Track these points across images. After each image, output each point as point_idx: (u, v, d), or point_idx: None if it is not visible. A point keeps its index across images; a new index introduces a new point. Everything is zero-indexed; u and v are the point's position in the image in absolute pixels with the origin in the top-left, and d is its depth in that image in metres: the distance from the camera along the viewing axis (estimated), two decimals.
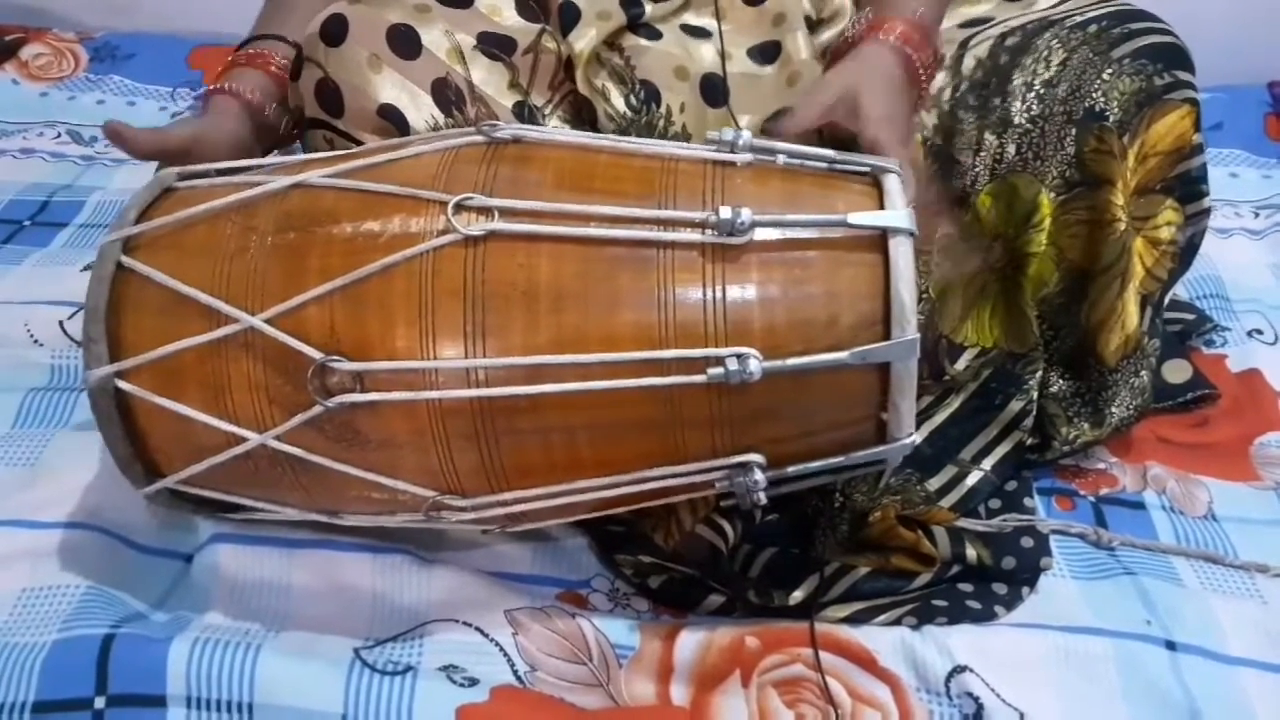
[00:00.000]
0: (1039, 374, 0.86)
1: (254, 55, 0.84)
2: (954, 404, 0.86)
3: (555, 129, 0.80)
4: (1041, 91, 0.81)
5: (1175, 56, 0.84)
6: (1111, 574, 0.80)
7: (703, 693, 0.71)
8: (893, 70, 0.76)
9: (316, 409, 0.63)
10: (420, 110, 0.77)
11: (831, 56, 0.82)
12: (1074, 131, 0.81)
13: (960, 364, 0.86)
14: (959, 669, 0.71)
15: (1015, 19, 0.85)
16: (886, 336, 0.61)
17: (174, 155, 0.78)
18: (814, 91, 0.76)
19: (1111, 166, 0.81)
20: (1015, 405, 0.86)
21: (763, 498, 0.66)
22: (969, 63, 0.83)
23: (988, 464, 0.85)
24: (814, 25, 0.88)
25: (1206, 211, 0.89)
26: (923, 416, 0.84)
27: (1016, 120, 0.81)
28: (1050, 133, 0.81)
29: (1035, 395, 0.86)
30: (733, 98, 0.83)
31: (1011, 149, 0.81)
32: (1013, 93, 0.81)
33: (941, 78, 0.82)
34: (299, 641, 0.70)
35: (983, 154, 0.81)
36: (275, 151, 0.87)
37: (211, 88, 0.82)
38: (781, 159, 0.67)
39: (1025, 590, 0.79)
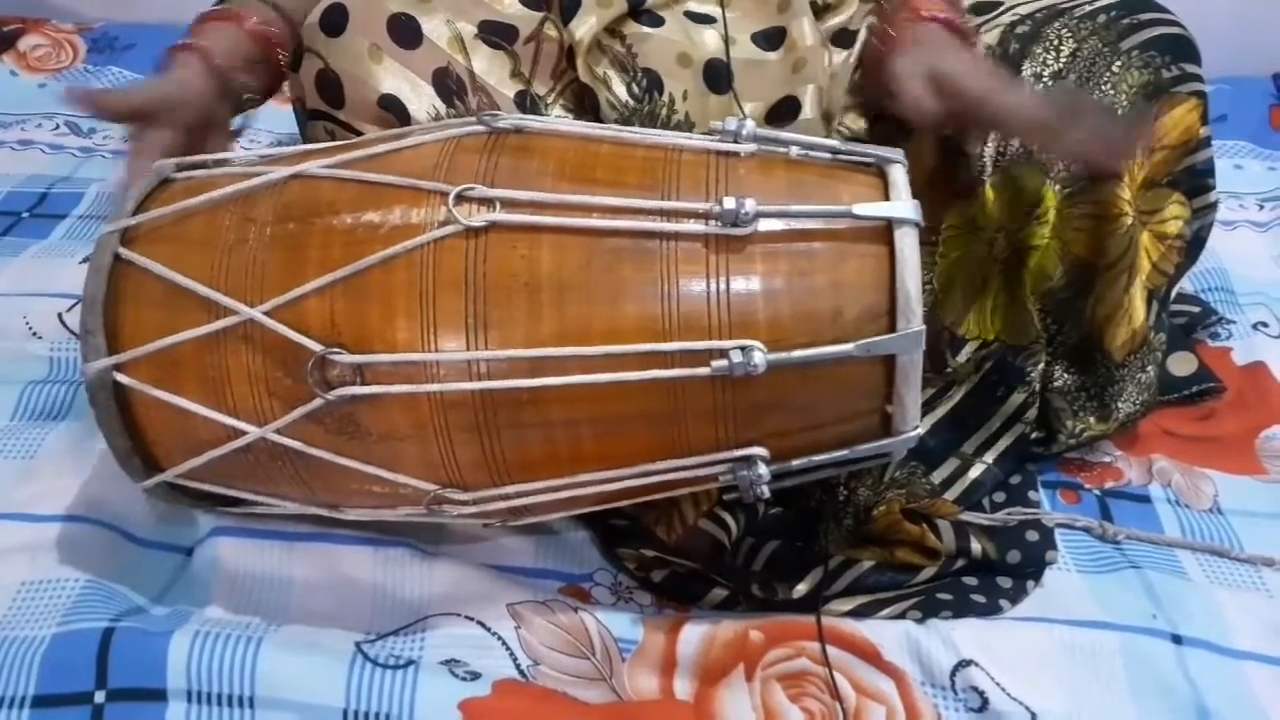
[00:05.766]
0: (1040, 366, 0.86)
1: (227, 11, 0.80)
2: (956, 396, 0.86)
3: (557, 119, 0.79)
4: (1049, 83, 0.80)
5: (1183, 49, 0.83)
6: (1117, 567, 0.80)
7: (706, 687, 0.70)
8: (945, 36, 0.76)
9: (317, 402, 0.63)
10: (421, 100, 0.76)
11: (867, 60, 0.81)
12: None
13: (962, 356, 0.85)
14: (964, 663, 0.71)
15: (1024, 6, 0.84)
16: (892, 328, 0.61)
17: (141, 117, 0.75)
18: (902, 90, 0.74)
19: (1122, 162, 0.81)
20: (1017, 398, 0.85)
21: (766, 491, 0.66)
22: (979, 50, 0.82)
23: (990, 457, 0.84)
24: (819, 11, 0.87)
25: (1213, 205, 0.89)
26: (925, 409, 0.83)
27: None
28: None
29: (1037, 387, 0.86)
30: (737, 83, 0.82)
31: (1016, 140, 0.80)
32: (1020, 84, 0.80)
33: (981, 42, 0.82)
34: (300, 635, 0.70)
35: (989, 145, 0.81)
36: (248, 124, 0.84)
37: (179, 44, 0.79)
38: (787, 149, 0.66)
39: (1030, 584, 0.78)
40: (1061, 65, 0.80)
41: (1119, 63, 0.80)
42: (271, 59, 0.79)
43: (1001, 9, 0.85)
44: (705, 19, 0.85)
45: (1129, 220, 0.82)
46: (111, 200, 0.74)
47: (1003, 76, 0.75)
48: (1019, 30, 0.82)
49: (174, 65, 0.77)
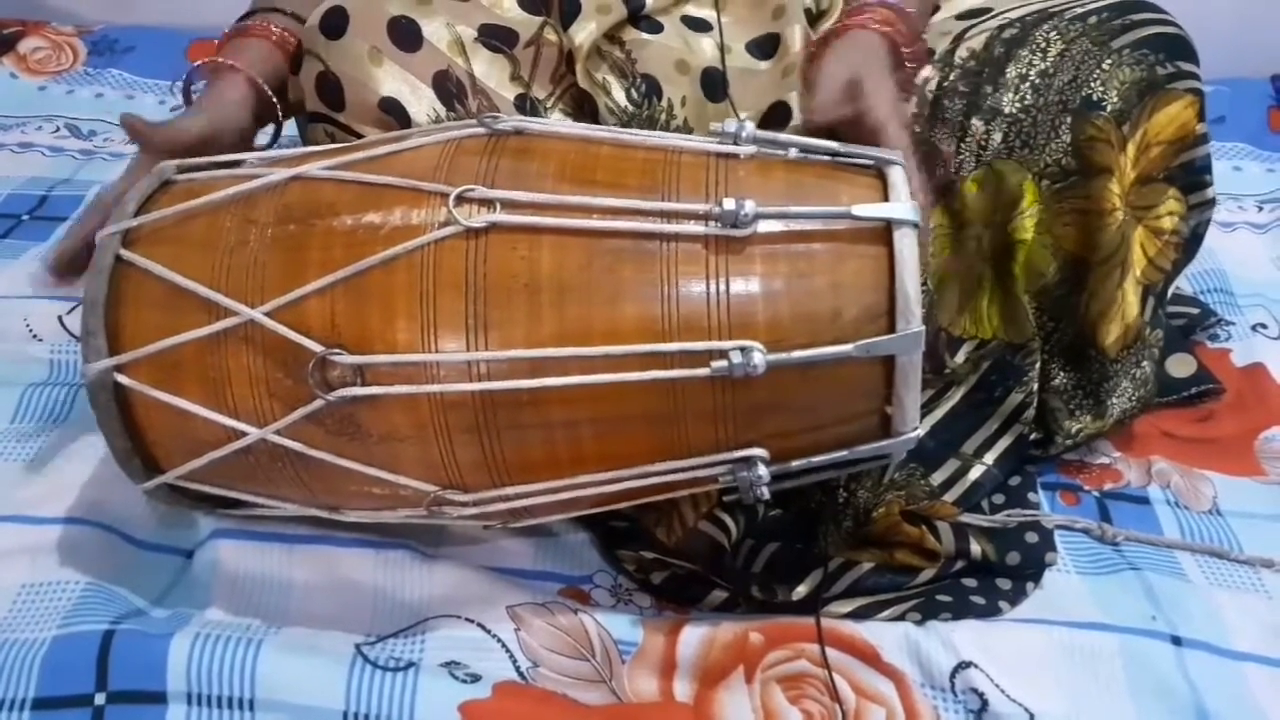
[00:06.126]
0: (1038, 365, 0.86)
1: (254, 27, 0.82)
2: (955, 397, 0.86)
3: (557, 120, 0.79)
4: (1036, 82, 0.80)
5: (1178, 47, 0.84)
6: (1116, 569, 0.80)
7: (706, 689, 0.70)
8: (881, 52, 0.75)
9: (317, 403, 0.63)
10: (421, 103, 0.76)
11: (814, 48, 0.79)
12: (1069, 120, 0.80)
13: (959, 357, 0.86)
14: (964, 665, 0.71)
15: (1014, 10, 0.84)
16: (891, 329, 0.61)
17: (187, 151, 0.76)
18: (821, 84, 0.74)
19: (1108, 155, 0.81)
20: (1015, 397, 0.85)
21: (765, 492, 0.66)
22: (962, 53, 0.82)
23: (990, 458, 0.84)
24: (814, 19, 0.87)
25: (1210, 202, 0.89)
26: (924, 410, 0.83)
27: (1006, 110, 0.80)
28: (1043, 122, 0.80)
29: (1035, 387, 0.86)
30: (732, 92, 0.83)
31: (998, 136, 0.81)
32: (1005, 84, 0.81)
33: (928, 70, 0.82)
34: (300, 637, 0.70)
35: (968, 140, 0.81)
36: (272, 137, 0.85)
37: (215, 61, 0.80)
38: (786, 151, 0.66)
39: (1030, 586, 0.78)
40: (1049, 65, 0.80)
41: (1109, 60, 0.80)
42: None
43: (990, 14, 0.85)
44: (702, 25, 0.85)
45: (1120, 215, 0.82)
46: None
47: (901, 114, 0.73)
48: (1005, 34, 0.82)
49: (217, 87, 0.78)
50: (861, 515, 0.79)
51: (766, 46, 0.85)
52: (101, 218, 0.72)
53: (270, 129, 0.84)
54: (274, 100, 0.80)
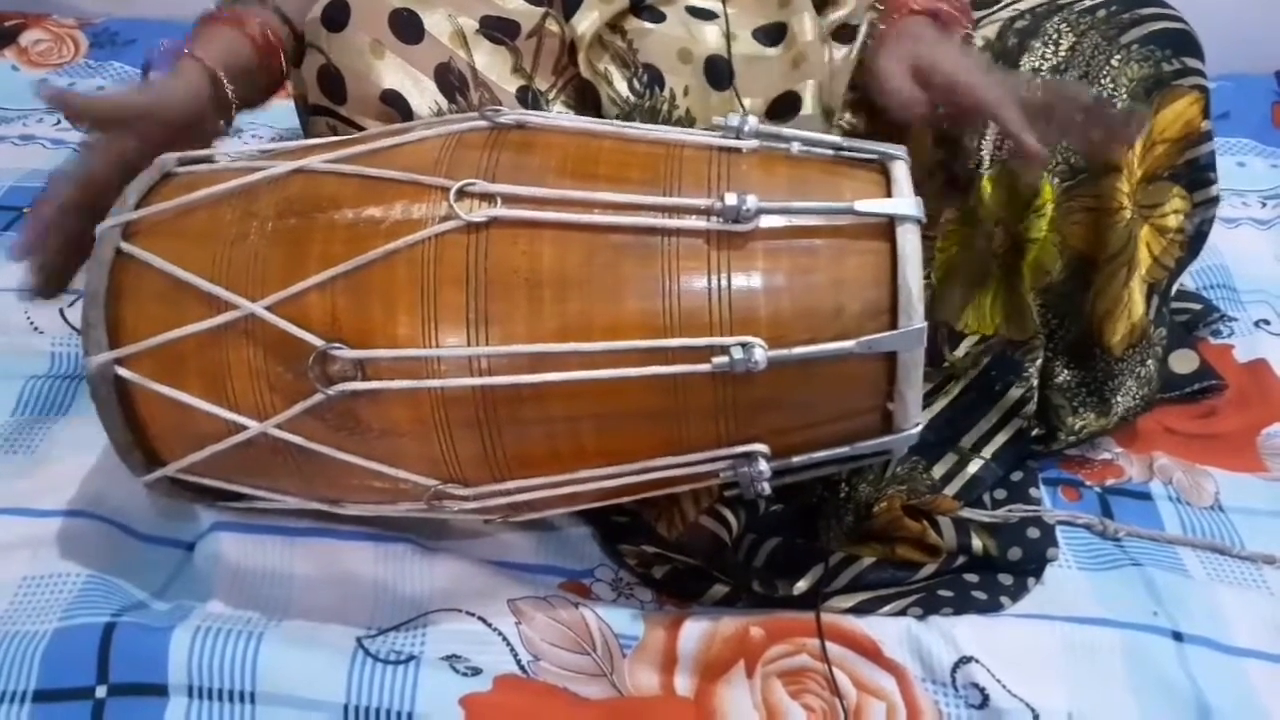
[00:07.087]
0: (1039, 362, 0.86)
1: (227, 15, 0.79)
2: (954, 391, 0.86)
3: (559, 114, 0.79)
4: (1048, 77, 0.80)
5: (1184, 43, 0.83)
6: (1118, 565, 0.80)
7: (707, 683, 0.70)
8: (931, 31, 0.77)
9: (317, 397, 0.63)
10: (424, 96, 0.76)
11: (866, 60, 0.81)
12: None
13: (960, 351, 0.86)
14: (965, 659, 0.71)
15: (1024, 1, 0.84)
16: (893, 325, 0.61)
17: (120, 124, 0.73)
18: (885, 83, 0.76)
19: (1117, 153, 0.81)
20: (1015, 393, 0.85)
21: (767, 488, 0.66)
22: (978, 43, 0.82)
23: (988, 452, 0.84)
24: (821, 6, 0.87)
25: (1215, 199, 0.89)
26: (923, 403, 0.83)
27: None
28: None
29: (1035, 383, 0.86)
30: (738, 79, 0.82)
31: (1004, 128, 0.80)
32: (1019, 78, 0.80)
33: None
34: (301, 630, 0.70)
35: (986, 138, 0.81)
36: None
37: (182, 51, 0.77)
38: (789, 146, 0.66)
39: (1031, 581, 0.78)
40: (1060, 59, 0.80)
41: (1118, 56, 0.80)
42: (272, 66, 0.79)
43: (1001, 4, 0.85)
44: (707, 14, 0.85)
45: (1128, 214, 0.82)
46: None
47: (985, 65, 0.76)
48: (1018, 25, 0.82)
49: (170, 72, 0.76)
50: (863, 509, 0.79)
51: (774, 34, 0.85)
52: (56, 201, 0.71)
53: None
54: (229, 93, 0.77)
